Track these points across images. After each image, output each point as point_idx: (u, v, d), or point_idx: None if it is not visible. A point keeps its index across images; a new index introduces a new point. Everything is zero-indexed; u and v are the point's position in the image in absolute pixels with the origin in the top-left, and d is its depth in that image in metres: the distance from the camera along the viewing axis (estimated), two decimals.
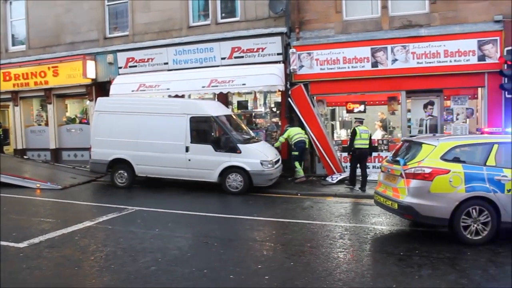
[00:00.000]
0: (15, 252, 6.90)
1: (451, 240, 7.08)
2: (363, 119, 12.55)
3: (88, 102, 17.84)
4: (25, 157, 18.28)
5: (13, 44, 19.07)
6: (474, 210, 6.91)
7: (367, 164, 12.34)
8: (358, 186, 11.91)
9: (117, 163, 12.88)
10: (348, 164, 13.00)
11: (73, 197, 11.73)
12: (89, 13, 17.08)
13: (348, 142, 12.36)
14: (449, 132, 12.71)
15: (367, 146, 11.98)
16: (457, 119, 12.97)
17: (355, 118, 12.78)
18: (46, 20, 17.83)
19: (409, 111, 13.70)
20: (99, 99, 13.80)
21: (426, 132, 13.10)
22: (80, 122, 18.48)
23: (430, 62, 12.65)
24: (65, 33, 17.58)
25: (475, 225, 6.92)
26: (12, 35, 19.12)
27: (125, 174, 12.83)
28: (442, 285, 5.44)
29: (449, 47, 12.45)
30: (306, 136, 13.40)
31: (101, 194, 12.66)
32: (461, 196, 6.91)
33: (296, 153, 13.13)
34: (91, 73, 16.71)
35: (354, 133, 11.99)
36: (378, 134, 14.43)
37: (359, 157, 11.95)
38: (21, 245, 7.21)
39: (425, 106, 13.37)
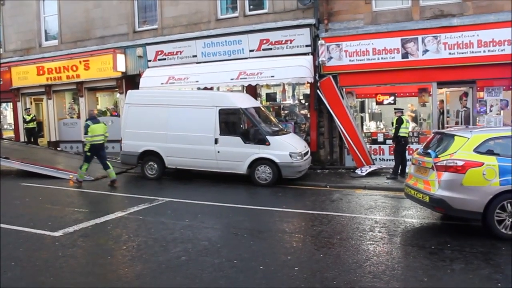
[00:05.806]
0: (51, 240, 7.12)
1: (484, 234, 6.93)
2: (403, 109, 12.71)
3: (118, 95, 18.16)
4: (58, 149, 18.83)
5: (46, 39, 19.58)
6: (509, 204, 6.72)
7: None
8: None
9: (148, 155, 13.08)
10: (379, 156, 12.89)
11: (104, 188, 12.02)
12: (118, 7, 17.34)
13: (394, 131, 12.35)
14: (482, 124, 12.42)
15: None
16: (490, 110, 12.65)
17: (395, 109, 12.72)
18: (77, 15, 18.21)
19: (443, 102, 13.46)
20: (129, 92, 14.01)
21: (461, 124, 12.83)
22: (111, 115, 18.84)
23: (462, 53, 12.33)
24: (95, 27, 17.92)
25: (510, 220, 6.75)
26: (45, 31, 19.63)
27: (155, 165, 13.01)
28: (475, 280, 5.34)
29: (483, 37, 12.10)
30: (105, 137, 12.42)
31: (132, 185, 12.87)
32: (496, 190, 6.73)
33: (89, 153, 12.17)
34: (121, 67, 16.99)
35: (401, 122, 12.11)
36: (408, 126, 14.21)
37: (405, 146, 12.25)
38: (56, 234, 7.43)
39: (460, 98, 13.09)
